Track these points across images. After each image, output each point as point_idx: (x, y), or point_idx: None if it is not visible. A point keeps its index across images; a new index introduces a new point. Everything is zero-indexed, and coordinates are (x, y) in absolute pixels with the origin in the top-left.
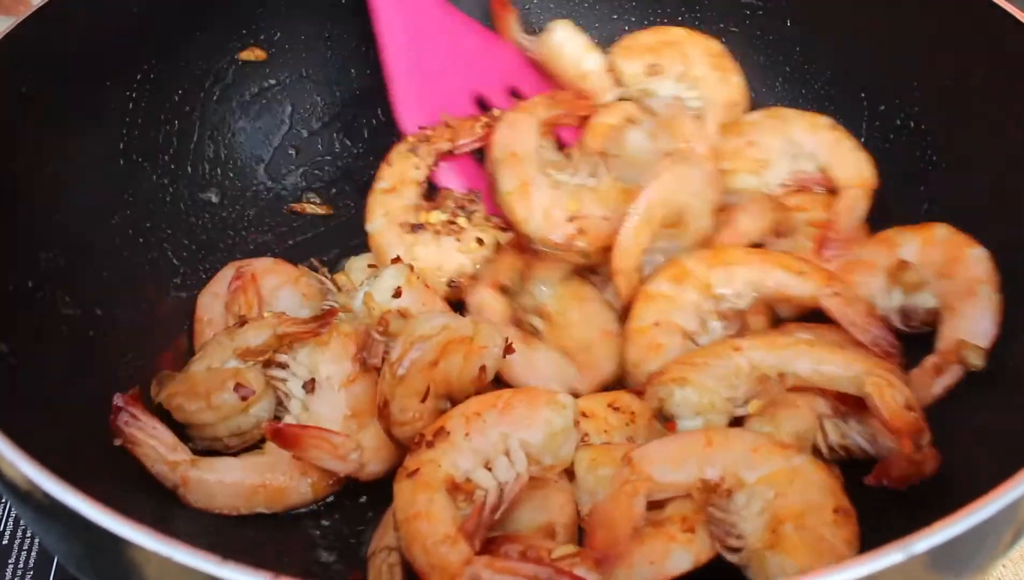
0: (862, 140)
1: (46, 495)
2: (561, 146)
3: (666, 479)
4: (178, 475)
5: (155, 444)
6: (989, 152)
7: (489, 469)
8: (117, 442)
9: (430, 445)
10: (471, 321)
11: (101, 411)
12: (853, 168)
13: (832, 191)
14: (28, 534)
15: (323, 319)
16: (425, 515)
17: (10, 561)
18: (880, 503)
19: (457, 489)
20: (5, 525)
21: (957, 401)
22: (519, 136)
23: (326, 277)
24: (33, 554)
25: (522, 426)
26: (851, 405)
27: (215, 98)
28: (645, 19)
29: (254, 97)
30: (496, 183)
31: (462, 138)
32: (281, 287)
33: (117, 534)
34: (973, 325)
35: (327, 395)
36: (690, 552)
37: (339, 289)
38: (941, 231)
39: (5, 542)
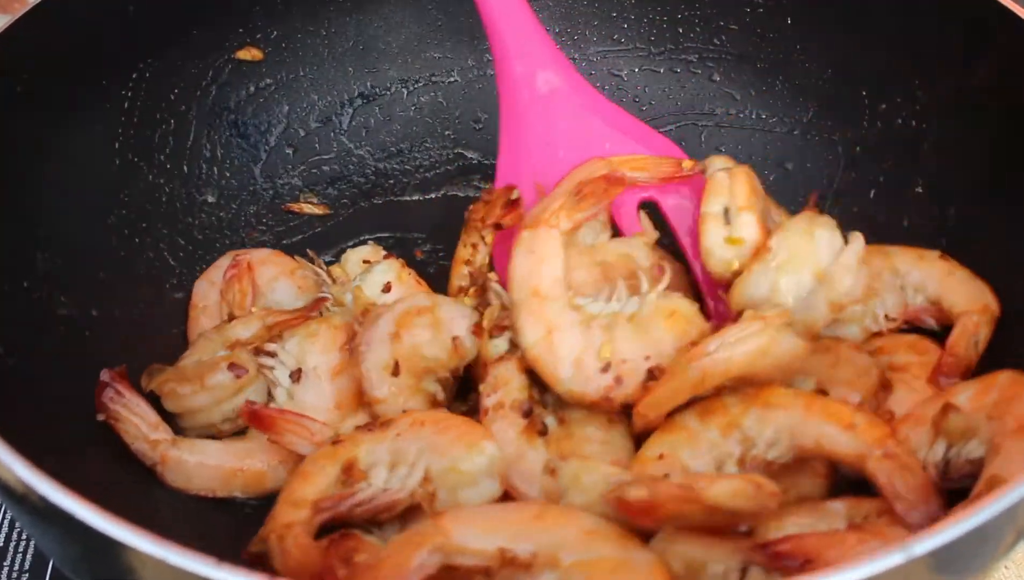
0: (862, 140)
1: (41, 498)
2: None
3: (465, 542)
4: (158, 453)
5: (137, 421)
6: (989, 152)
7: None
8: (100, 417)
9: (369, 428)
10: (427, 294)
11: (97, 413)
12: (971, 295)
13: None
14: (23, 536)
15: (312, 307)
16: (308, 476)
17: (5, 563)
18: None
19: (350, 472)
20: (0, 527)
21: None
22: (541, 265)
23: (321, 268)
24: (28, 556)
25: (439, 449)
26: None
27: (211, 97)
28: (644, 17)
29: (251, 96)
30: (518, 334)
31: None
32: (277, 278)
33: (113, 537)
34: (1015, 466)
35: (313, 385)
36: None
37: (334, 281)
38: (1003, 378)
39: (0, 544)
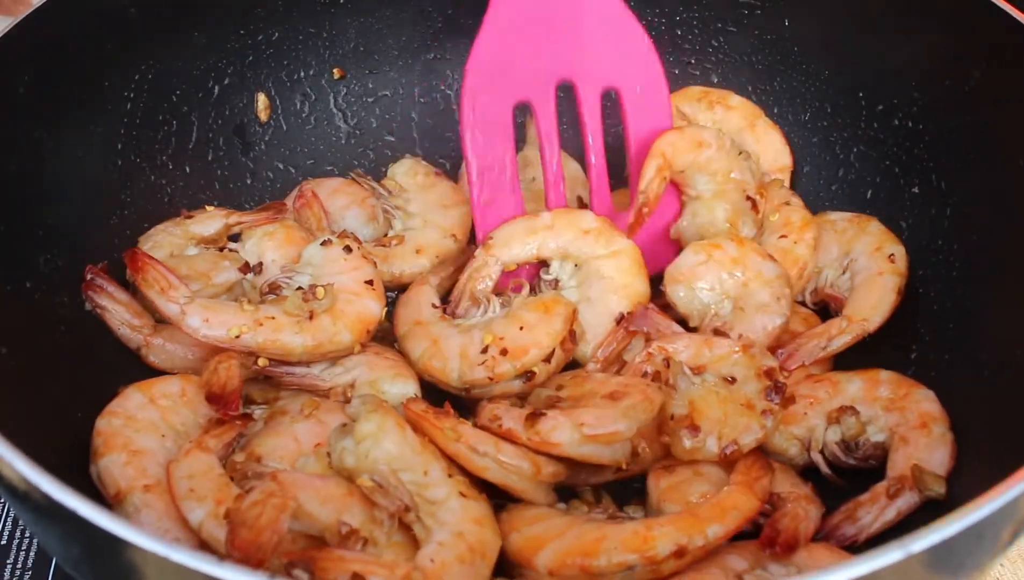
0: (860, 141)
1: (44, 495)
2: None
3: (310, 508)
4: (141, 337)
5: (122, 310)
6: (986, 152)
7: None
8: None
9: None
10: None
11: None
12: (875, 306)
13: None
14: (26, 534)
15: (276, 209)
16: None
17: (8, 561)
18: None
19: None
20: (4, 525)
21: (954, 400)
22: (417, 308)
23: (372, 184)
24: (31, 554)
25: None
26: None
27: (213, 98)
28: (644, 18)
29: (252, 98)
30: (409, 356)
31: None
32: (349, 207)
33: (115, 534)
34: (928, 455)
35: (272, 272)
36: None
37: (389, 193)
38: (884, 375)
39: (3, 542)
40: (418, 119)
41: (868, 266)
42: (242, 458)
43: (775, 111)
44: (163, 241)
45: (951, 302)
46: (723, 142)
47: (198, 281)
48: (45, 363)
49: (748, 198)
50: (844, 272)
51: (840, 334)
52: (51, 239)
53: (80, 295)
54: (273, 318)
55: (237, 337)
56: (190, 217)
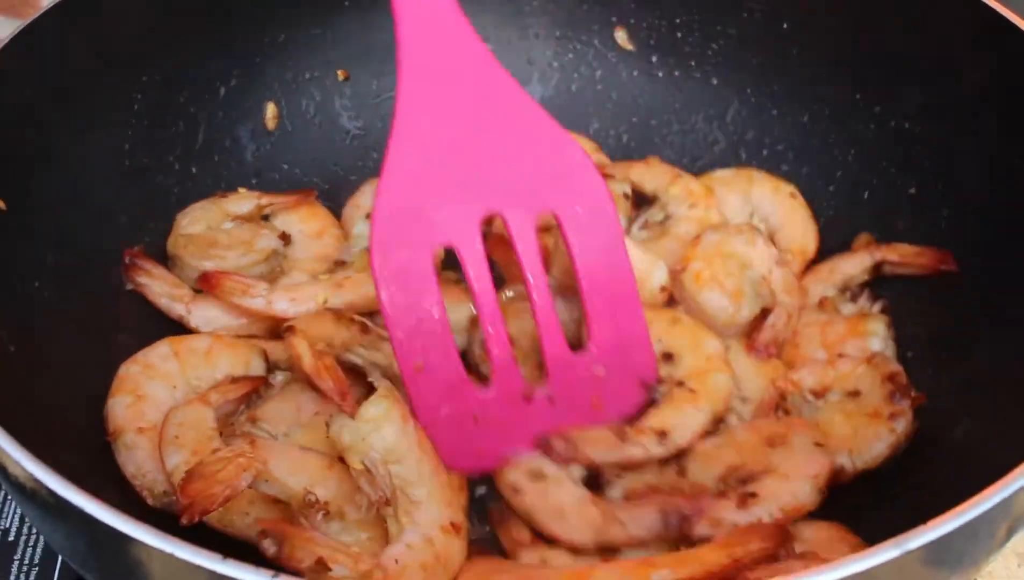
0: (857, 142)
1: (51, 493)
2: None
3: (278, 474)
4: (183, 305)
5: (161, 283)
6: (985, 154)
7: None
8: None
9: None
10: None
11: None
12: (799, 234)
13: None
14: (33, 530)
15: (304, 193)
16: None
17: (16, 557)
18: (875, 499)
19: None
20: (10, 522)
21: (951, 398)
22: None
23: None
24: (38, 550)
25: None
26: None
27: (219, 100)
28: (643, 20)
29: (259, 99)
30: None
31: None
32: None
33: (121, 531)
34: None
35: (299, 244)
36: None
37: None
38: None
39: (11, 538)
40: None
41: (776, 207)
42: (242, 419)
43: (774, 113)
44: (200, 216)
45: (947, 302)
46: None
47: (240, 248)
48: (52, 361)
49: (624, 195)
50: (752, 217)
51: (790, 263)
52: (60, 239)
53: (88, 294)
54: (350, 277)
55: (325, 301)
56: (224, 197)
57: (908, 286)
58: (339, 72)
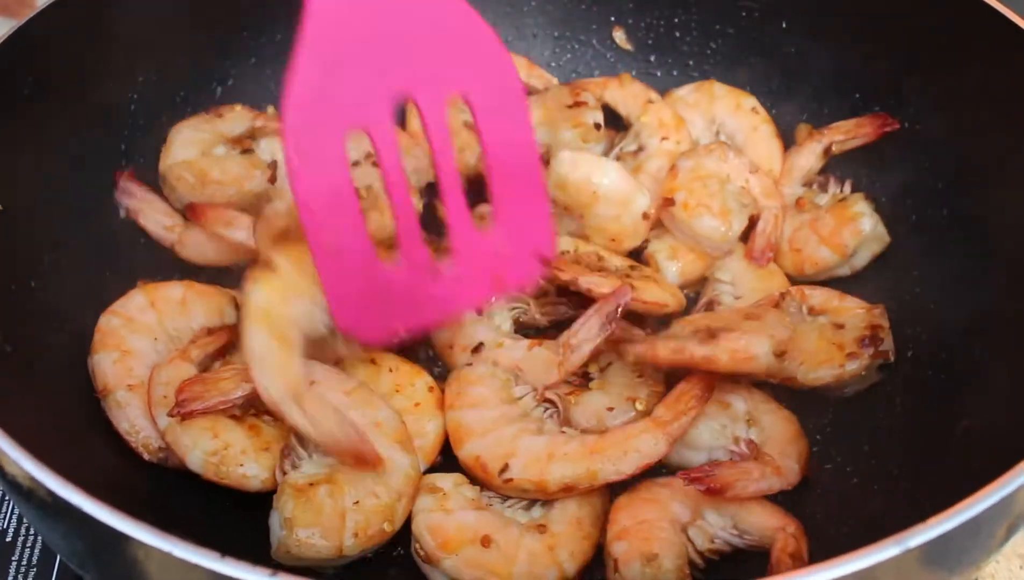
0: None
1: (48, 492)
2: None
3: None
4: (175, 234)
5: (154, 211)
6: (984, 154)
7: None
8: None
9: None
10: None
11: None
12: (764, 153)
13: None
14: (31, 531)
15: None
16: None
17: (13, 558)
18: (875, 498)
19: None
20: (8, 522)
21: (950, 398)
22: None
23: None
24: (36, 551)
25: None
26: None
27: (215, 100)
28: (642, 20)
29: (256, 100)
30: None
31: None
32: None
33: (118, 530)
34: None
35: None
36: None
37: None
38: None
39: (8, 539)
40: None
41: (739, 125)
42: (219, 365)
43: (773, 112)
44: (192, 137)
45: (948, 300)
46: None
47: (232, 185)
48: (50, 361)
49: (596, 125)
50: (717, 136)
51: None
52: (55, 239)
53: (83, 293)
54: None
55: None
56: (220, 116)
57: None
58: None
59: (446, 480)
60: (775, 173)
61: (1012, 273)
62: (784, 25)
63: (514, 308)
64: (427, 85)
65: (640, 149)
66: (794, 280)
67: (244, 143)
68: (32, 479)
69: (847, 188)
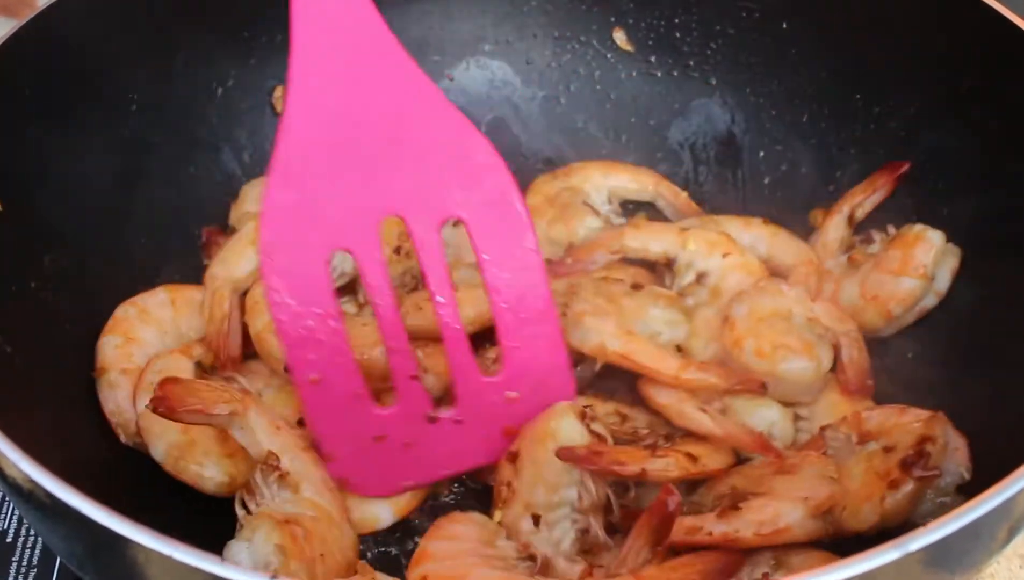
0: (857, 143)
1: (48, 494)
2: None
3: (255, 426)
4: None
5: None
6: (984, 155)
7: None
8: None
9: None
10: None
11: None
12: (796, 250)
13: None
14: (31, 532)
15: None
16: None
17: (14, 559)
18: None
19: None
20: (8, 523)
21: (951, 399)
22: None
23: None
24: (36, 552)
25: None
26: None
27: (216, 101)
28: (642, 21)
29: (256, 100)
30: None
31: None
32: None
33: (119, 533)
34: None
35: None
36: None
37: None
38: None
39: (8, 540)
40: None
41: (757, 238)
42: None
43: (773, 113)
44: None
45: (947, 301)
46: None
47: None
48: (50, 362)
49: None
50: None
51: (809, 275)
52: (56, 239)
53: (85, 295)
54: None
55: None
56: None
57: None
58: None
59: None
60: (813, 260)
61: None
62: (785, 25)
63: (576, 520)
64: (420, 204)
65: (702, 276)
66: (879, 335)
67: None
68: (31, 481)
69: (891, 230)
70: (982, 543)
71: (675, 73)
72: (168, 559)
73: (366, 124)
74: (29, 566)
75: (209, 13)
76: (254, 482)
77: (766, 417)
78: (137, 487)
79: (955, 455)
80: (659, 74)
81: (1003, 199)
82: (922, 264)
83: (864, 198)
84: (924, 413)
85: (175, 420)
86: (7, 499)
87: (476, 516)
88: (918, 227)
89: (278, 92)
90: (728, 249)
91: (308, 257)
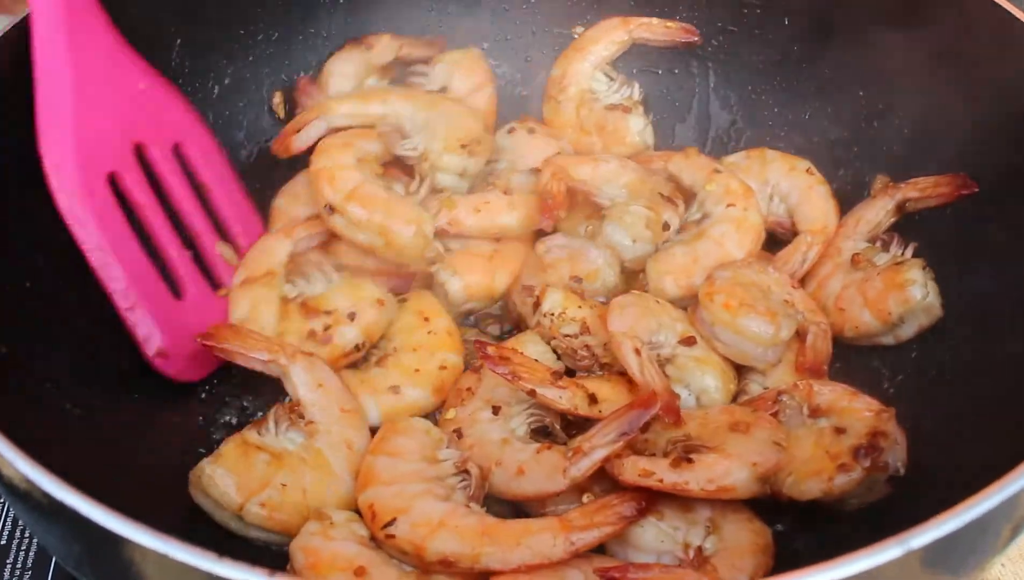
0: (859, 140)
1: (44, 494)
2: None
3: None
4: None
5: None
6: (986, 152)
7: None
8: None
9: None
10: None
11: (100, 410)
12: (819, 212)
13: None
14: (26, 534)
15: (434, 40)
16: None
17: (8, 561)
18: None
19: None
20: (3, 525)
21: (952, 398)
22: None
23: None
24: (31, 554)
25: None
26: None
27: (213, 98)
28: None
29: (253, 99)
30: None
31: None
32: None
33: (115, 532)
34: None
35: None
36: None
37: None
38: None
39: (3, 542)
40: None
41: (794, 186)
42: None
43: (776, 110)
44: (348, 70)
45: (947, 299)
46: (624, 162)
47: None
48: (46, 361)
49: (664, 197)
50: (772, 199)
51: (811, 246)
52: (54, 237)
53: (82, 294)
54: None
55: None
56: (370, 47)
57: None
58: None
59: (340, 514)
60: (830, 232)
61: None
62: (787, 22)
63: (533, 414)
64: (153, 135)
65: (704, 217)
66: (836, 342)
67: (390, 74)
68: (28, 481)
69: (908, 251)
70: (984, 542)
71: (676, 71)
72: (165, 557)
73: (100, 90)
74: (24, 568)
75: (206, 11)
76: (268, 416)
77: (703, 382)
78: (134, 486)
79: (895, 450)
80: (660, 71)
81: (1007, 193)
82: (889, 310)
83: (921, 196)
84: (874, 403)
85: (220, 355)
86: (1, 500)
87: (420, 424)
88: (913, 272)
89: (277, 98)
90: (734, 201)
91: (92, 186)
